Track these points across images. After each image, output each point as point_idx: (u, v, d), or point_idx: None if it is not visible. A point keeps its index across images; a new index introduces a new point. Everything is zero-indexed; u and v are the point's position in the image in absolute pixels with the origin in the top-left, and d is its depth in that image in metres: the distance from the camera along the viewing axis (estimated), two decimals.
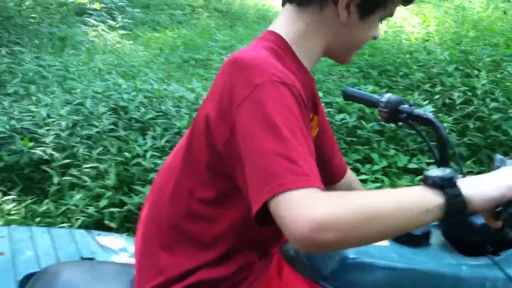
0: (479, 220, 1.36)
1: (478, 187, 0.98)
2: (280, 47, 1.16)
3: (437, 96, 4.21)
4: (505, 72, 4.39)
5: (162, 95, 4.17)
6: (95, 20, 8.07)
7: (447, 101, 4.20)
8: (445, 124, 3.84)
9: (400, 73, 4.75)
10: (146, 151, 3.36)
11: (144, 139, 3.55)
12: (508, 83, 4.22)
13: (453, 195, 0.96)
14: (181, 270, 1.21)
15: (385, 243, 1.37)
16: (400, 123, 1.61)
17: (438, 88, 4.31)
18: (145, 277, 1.26)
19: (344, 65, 5.33)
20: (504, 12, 7.01)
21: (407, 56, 5.11)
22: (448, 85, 4.33)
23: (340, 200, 0.92)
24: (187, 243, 1.21)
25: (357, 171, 3.52)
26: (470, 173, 3.64)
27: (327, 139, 1.48)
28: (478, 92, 4.11)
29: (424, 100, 4.10)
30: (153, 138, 3.56)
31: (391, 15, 1.22)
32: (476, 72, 4.45)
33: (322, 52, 1.23)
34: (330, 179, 1.53)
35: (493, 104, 3.98)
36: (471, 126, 3.89)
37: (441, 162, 1.55)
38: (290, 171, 0.93)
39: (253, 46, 1.17)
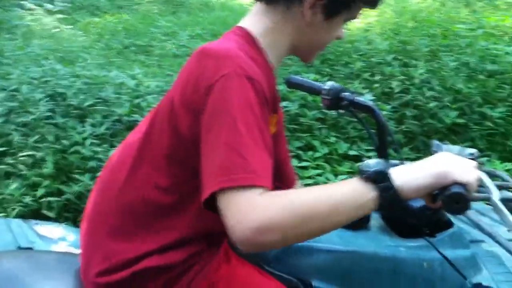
0: (416, 204, 1.41)
1: (409, 177, 1.02)
2: (248, 42, 1.18)
3: (376, 85, 4.31)
4: (442, 62, 4.53)
5: (102, 82, 4.07)
6: (32, 3, 7.77)
7: (386, 89, 4.30)
8: (383, 112, 3.93)
9: (341, 62, 4.82)
10: (85, 138, 3.28)
11: (83, 126, 3.46)
12: (444, 73, 4.36)
13: (385, 188, 1.01)
14: (130, 256, 1.20)
15: None
16: (341, 110, 1.65)
17: (377, 77, 4.41)
18: (92, 264, 1.23)
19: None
20: (442, 4, 7.23)
21: (348, 45, 5.19)
22: (387, 74, 4.43)
23: (280, 201, 0.97)
24: (139, 229, 1.21)
25: (299, 158, 3.56)
26: (407, 159, 3.74)
27: (282, 142, 1.49)
28: (416, 81, 4.23)
29: (364, 89, 4.18)
30: (92, 125, 3.47)
31: (355, 17, 1.26)
32: (414, 61, 4.58)
33: (287, 50, 1.26)
34: (281, 184, 1.54)
35: (429, 93, 4.11)
36: (409, 114, 4.00)
37: (380, 149, 1.60)
38: (240, 167, 0.98)
39: (222, 40, 1.20)
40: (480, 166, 1.15)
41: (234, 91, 1.03)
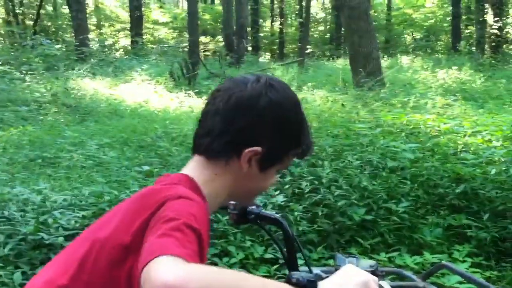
0: None
1: (335, 287, 1.08)
2: (193, 188, 1.27)
3: (287, 186, 4.41)
4: (346, 161, 4.74)
5: (5, 199, 3.91)
6: None
7: (297, 190, 4.41)
8: (295, 213, 4.01)
9: None
10: None
11: None
12: (350, 171, 4.54)
13: None
14: None
15: None
16: (249, 224, 1.69)
17: (287, 178, 4.52)
18: None
19: None
20: (342, 105, 7.66)
21: None
22: (296, 175, 4.56)
23: (203, 270, 0.95)
24: None
25: (215, 265, 3.51)
26: (321, 259, 3.80)
27: None
28: (324, 180, 4.38)
29: (276, 191, 4.26)
30: None
31: (286, 167, 1.42)
32: (320, 162, 4.75)
33: (226, 198, 1.37)
34: None
35: (337, 192, 4.26)
36: (320, 213, 4.09)
37: (289, 260, 1.63)
38: (174, 245, 1.00)
39: (165, 182, 1.29)
40: (382, 278, 1.23)
41: (181, 205, 1.12)
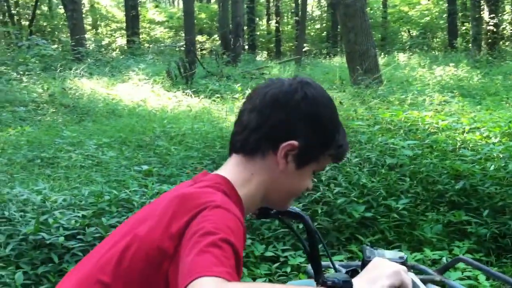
0: None
1: (369, 283, 1.11)
2: (228, 190, 1.28)
3: None
4: (345, 158, 4.73)
5: (4, 200, 3.90)
6: None
7: None
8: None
9: None
10: None
11: None
12: (349, 169, 4.55)
13: None
14: None
15: None
16: (270, 219, 1.70)
17: None
18: None
19: (197, 157, 5.43)
20: (340, 103, 7.66)
21: None
22: None
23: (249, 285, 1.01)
24: None
25: None
26: (322, 256, 3.79)
27: None
28: (323, 178, 4.38)
29: None
30: None
31: (323, 169, 1.44)
32: None
33: (260, 199, 1.38)
34: None
35: (337, 189, 4.26)
36: (319, 211, 4.10)
37: (312, 253, 1.66)
38: (213, 263, 1.03)
39: (201, 187, 1.27)
40: (409, 269, 1.27)
41: (218, 217, 1.13)
